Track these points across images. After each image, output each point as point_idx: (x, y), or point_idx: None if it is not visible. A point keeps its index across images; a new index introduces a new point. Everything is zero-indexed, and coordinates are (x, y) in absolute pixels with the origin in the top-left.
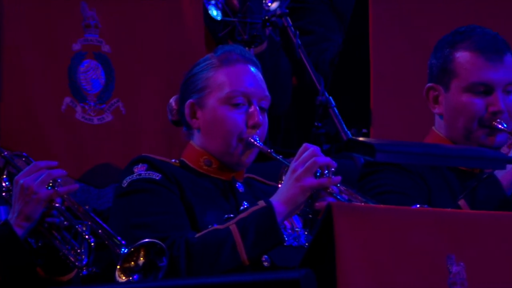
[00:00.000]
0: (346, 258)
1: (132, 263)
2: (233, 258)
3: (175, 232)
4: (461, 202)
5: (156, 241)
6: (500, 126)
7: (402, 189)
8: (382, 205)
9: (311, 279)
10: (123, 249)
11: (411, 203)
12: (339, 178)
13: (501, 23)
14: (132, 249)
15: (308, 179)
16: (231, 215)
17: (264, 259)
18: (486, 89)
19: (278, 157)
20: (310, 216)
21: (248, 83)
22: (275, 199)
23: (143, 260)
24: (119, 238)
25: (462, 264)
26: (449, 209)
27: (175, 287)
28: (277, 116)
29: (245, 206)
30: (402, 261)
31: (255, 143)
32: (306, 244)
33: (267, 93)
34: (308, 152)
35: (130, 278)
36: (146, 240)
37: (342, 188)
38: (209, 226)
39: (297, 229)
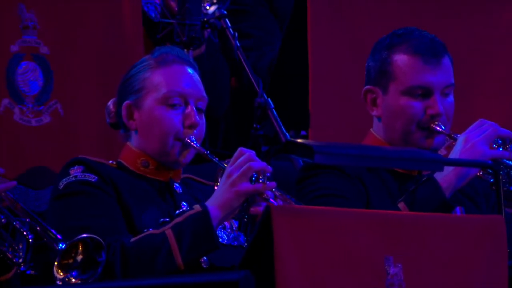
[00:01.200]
0: (284, 259)
1: (71, 260)
2: (169, 263)
3: (110, 236)
4: (401, 205)
5: (94, 236)
6: (438, 128)
7: (341, 192)
8: (320, 207)
9: (250, 280)
10: (61, 245)
11: (350, 205)
12: (274, 183)
13: (438, 24)
14: (70, 245)
15: (243, 184)
16: (167, 219)
17: (203, 260)
18: (424, 92)
19: (214, 159)
20: (245, 219)
21: (185, 83)
22: (210, 203)
23: (81, 257)
24: (57, 234)
25: (399, 265)
26: (387, 211)
27: None
28: (216, 118)
29: (181, 210)
30: (340, 263)
31: (192, 143)
32: (246, 244)
33: (204, 93)
34: (243, 157)
35: (68, 274)
36: (84, 235)
37: (277, 193)
38: (145, 230)
39: (236, 229)
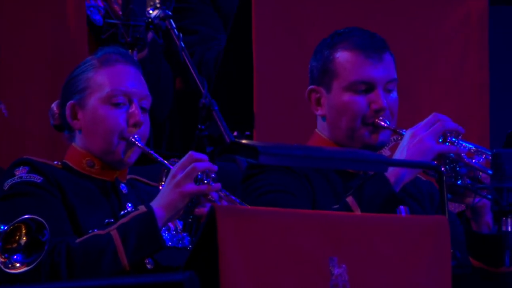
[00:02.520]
0: (229, 260)
1: (15, 244)
2: (114, 263)
3: (56, 237)
4: (349, 199)
5: (35, 216)
6: (383, 123)
7: (288, 189)
8: (265, 208)
9: (194, 281)
10: (2, 227)
11: (297, 201)
12: (219, 184)
13: (384, 25)
14: (12, 227)
15: (188, 185)
16: (112, 220)
17: (147, 261)
18: (367, 87)
19: (158, 159)
20: (190, 220)
21: (129, 82)
22: (155, 204)
23: (25, 239)
24: None
25: (344, 266)
26: (331, 211)
27: None
28: (161, 119)
29: (126, 211)
30: (285, 263)
31: (136, 143)
32: (190, 245)
33: (147, 92)
34: (187, 158)
35: (11, 257)
36: (26, 216)
37: (222, 194)
38: (90, 231)
39: (181, 231)
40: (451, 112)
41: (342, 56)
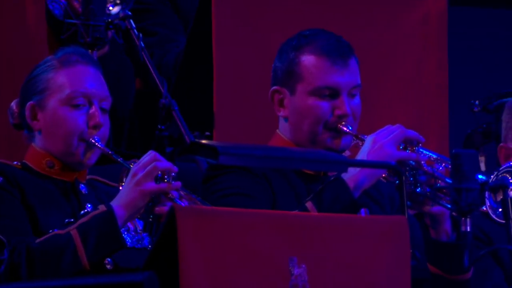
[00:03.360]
0: (188, 260)
1: None
2: (74, 263)
3: (15, 237)
4: (308, 204)
5: None
6: (345, 129)
7: (248, 191)
8: (225, 208)
9: (154, 281)
10: None
11: (257, 204)
12: (179, 183)
13: (343, 25)
14: None
15: (148, 183)
16: (72, 220)
17: (107, 261)
18: (331, 93)
19: (118, 159)
20: (151, 219)
21: (89, 83)
22: (115, 203)
23: None
24: None
25: (304, 266)
26: (291, 212)
27: None
28: (121, 119)
29: (86, 210)
30: (245, 264)
31: (96, 144)
32: (149, 246)
33: (108, 93)
34: (148, 157)
35: None
36: None
37: (183, 193)
38: (50, 231)
39: (140, 231)
40: (410, 113)
41: (308, 60)
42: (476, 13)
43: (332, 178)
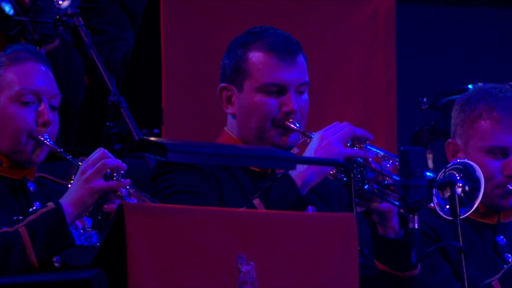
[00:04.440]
0: (137, 258)
1: None
2: (23, 260)
3: None
4: (256, 202)
5: None
6: (293, 126)
7: (195, 189)
8: (174, 205)
9: (102, 279)
10: None
11: (205, 201)
12: (128, 181)
13: (293, 23)
14: None
15: (97, 181)
16: (20, 217)
17: (55, 259)
18: (279, 89)
19: (68, 157)
20: (100, 217)
21: (38, 81)
22: (64, 200)
23: None
24: None
25: (252, 263)
26: (240, 209)
27: None
28: (69, 116)
29: (35, 208)
30: (193, 261)
31: (45, 141)
32: (98, 244)
33: (57, 91)
34: (98, 154)
35: None
36: None
37: (132, 190)
38: None
39: (88, 229)
40: (358, 110)
41: (256, 56)
42: (424, 10)
43: (280, 175)
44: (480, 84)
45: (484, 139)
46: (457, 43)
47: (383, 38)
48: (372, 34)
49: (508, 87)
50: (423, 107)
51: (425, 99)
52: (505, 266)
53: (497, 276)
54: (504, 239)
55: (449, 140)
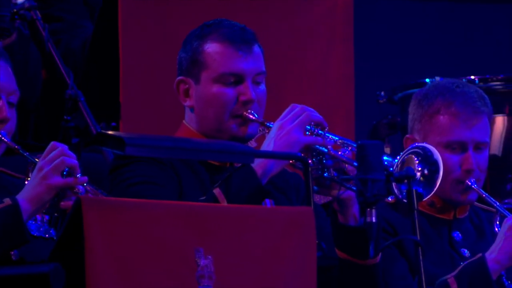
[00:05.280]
0: (94, 252)
1: None
2: None
3: None
4: (216, 191)
5: None
6: (251, 116)
7: (155, 180)
8: (131, 199)
9: (60, 273)
10: None
11: (164, 192)
12: (85, 178)
13: (251, 17)
14: None
15: (54, 178)
16: None
17: (13, 253)
18: (236, 79)
19: (25, 154)
20: (56, 214)
21: None
22: (21, 196)
23: None
24: None
25: (210, 257)
26: (198, 203)
27: None
28: (27, 110)
29: None
30: (151, 255)
31: (2, 138)
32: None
33: (16, 87)
34: (56, 151)
35: None
36: None
37: (89, 188)
38: None
39: (46, 222)
40: (317, 104)
41: (212, 47)
42: (382, 5)
43: (240, 165)
44: (437, 78)
45: (443, 134)
46: (415, 37)
47: (341, 32)
48: (330, 28)
49: (465, 81)
50: (381, 101)
51: (382, 93)
52: (461, 263)
53: (453, 273)
54: (460, 235)
55: (407, 135)
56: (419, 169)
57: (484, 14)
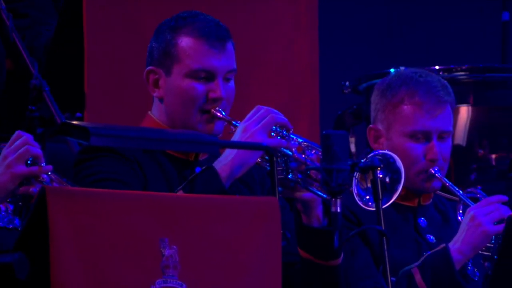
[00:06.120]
0: (59, 241)
1: None
2: None
3: None
4: (180, 194)
5: None
6: (219, 114)
7: (119, 176)
8: (96, 189)
9: (24, 263)
10: None
11: (128, 189)
12: (50, 167)
13: (218, 9)
14: None
15: (19, 166)
16: None
17: None
18: (207, 76)
19: None
20: (20, 203)
21: None
22: None
23: None
24: None
25: (175, 247)
26: (163, 193)
27: None
28: None
29: None
30: (116, 244)
31: None
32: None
33: None
34: (21, 140)
35: None
36: None
37: (54, 176)
38: None
39: (11, 212)
40: (281, 93)
41: (186, 41)
42: None
43: (204, 167)
44: (402, 68)
45: (407, 124)
46: (379, 26)
47: (306, 22)
48: (295, 17)
49: (428, 71)
50: (346, 91)
51: (347, 83)
52: (427, 250)
53: (416, 263)
54: (425, 221)
55: (371, 125)
56: (381, 176)
57: (449, 4)
